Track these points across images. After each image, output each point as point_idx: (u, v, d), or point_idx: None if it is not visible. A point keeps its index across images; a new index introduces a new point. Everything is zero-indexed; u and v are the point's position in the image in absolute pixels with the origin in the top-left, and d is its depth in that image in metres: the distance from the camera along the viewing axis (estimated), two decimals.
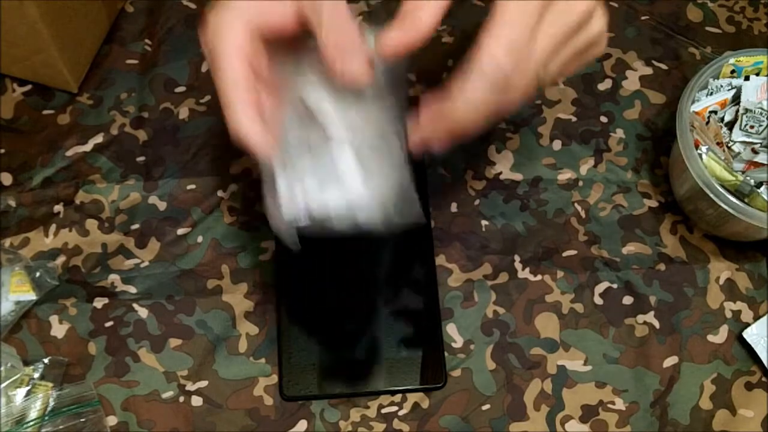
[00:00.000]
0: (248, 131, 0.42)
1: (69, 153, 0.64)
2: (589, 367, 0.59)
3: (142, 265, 0.61)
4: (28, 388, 0.54)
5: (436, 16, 0.40)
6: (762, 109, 0.59)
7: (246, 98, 0.42)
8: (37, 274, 0.59)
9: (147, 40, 0.68)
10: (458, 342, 0.59)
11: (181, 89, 0.67)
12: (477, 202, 0.64)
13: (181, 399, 0.57)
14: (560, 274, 0.61)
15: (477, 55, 0.39)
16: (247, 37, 0.42)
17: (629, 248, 0.63)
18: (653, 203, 0.64)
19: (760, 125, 0.59)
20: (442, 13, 0.40)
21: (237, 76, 0.42)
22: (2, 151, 0.64)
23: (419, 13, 0.39)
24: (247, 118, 0.42)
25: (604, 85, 0.68)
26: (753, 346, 0.59)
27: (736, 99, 0.60)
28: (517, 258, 0.62)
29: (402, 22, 0.40)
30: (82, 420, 0.54)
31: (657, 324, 0.60)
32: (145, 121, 0.66)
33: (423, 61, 0.68)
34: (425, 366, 0.58)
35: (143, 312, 0.59)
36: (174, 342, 0.58)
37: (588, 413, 0.58)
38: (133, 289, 0.60)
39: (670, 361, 0.59)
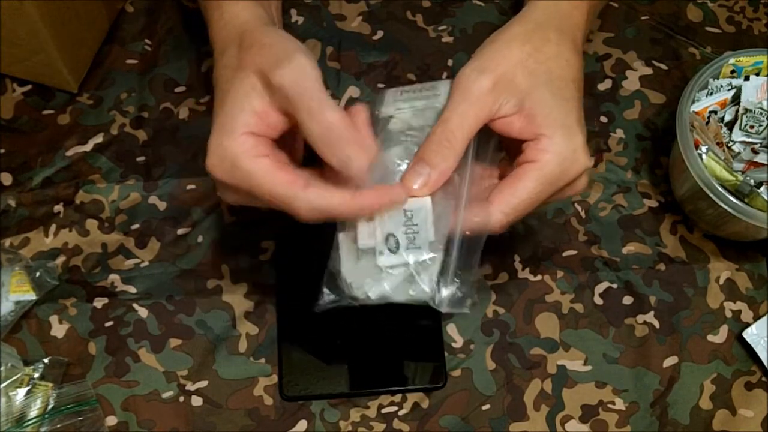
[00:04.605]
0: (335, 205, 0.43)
1: (69, 153, 0.64)
2: (589, 367, 0.59)
3: (142, 265, 0.61)
4: (28, 387, 0.54)
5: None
6: (762, 109, 0.59)
7: (305, 188, 0.42)
8: (37, 274, 0.59)
9: (147, 40, 0.68)
10: (458, 342, 0.59)
11: (181, 89, 0.67)
12: None
13: (181, 399, 0.57)
14: (560, 274, 0.61)
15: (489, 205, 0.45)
16: (258, 143, 0.43)
17: (629, 248, 0.63)
18: (653, 203, 0.64)
19: (760, 125, 0.59)
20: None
21: (280, 180, 0.42)
22: (2, 151, 0.64)
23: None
24: (328, 199, 0.42)
25: (604, 85, 0.68)
26: (753, 346, 0.59)
27: (736, 99, 0.60)
28: (517, 258, 0.62)
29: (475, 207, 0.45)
30: (80, 419, 0.54)
31: (657, 324, 0.60)
32: (145, 121, 0.65)
33: (423, 60, 0.68)
34: (425, 366, 0.58)
35: (143, 312, 0.59)
36: (174, 342, 0.58)
37: (588, 413, 0.58)
38: (133, 289, 0.60)
39: (670, 361, 0.59)
